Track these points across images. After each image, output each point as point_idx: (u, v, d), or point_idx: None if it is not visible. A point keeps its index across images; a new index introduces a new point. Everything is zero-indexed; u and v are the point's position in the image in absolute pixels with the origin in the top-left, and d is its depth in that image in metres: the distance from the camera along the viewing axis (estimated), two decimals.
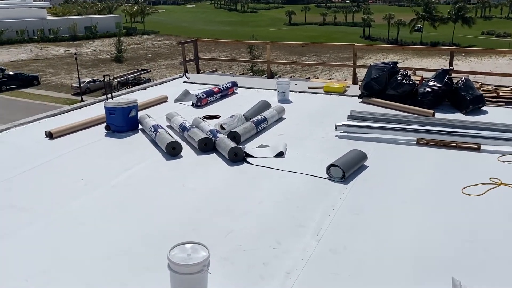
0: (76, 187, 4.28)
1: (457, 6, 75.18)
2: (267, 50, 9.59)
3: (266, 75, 10.07)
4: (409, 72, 7.27)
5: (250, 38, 50.99)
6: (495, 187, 4.15)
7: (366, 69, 7.57)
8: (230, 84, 8.08)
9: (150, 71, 45.26)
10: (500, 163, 4.74)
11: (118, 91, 33.07)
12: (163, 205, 3.92)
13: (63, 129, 5.87)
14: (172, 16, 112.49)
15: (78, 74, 40.21)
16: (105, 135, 5.80)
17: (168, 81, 9.49)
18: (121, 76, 39.09)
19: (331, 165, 4.37)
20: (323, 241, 3.28)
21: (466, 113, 6.48)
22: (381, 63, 7.31)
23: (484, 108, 6.63)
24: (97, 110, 6.70)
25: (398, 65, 7.36)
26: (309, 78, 11.29)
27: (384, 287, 2.81)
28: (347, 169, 4.32)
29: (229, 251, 3.15)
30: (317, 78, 12.17)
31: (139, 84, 34.64)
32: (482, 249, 3.18)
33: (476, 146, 5.15)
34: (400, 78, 6.95)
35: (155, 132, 5.38)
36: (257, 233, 3.42)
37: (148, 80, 36.60)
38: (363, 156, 4.65)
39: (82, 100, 36.59)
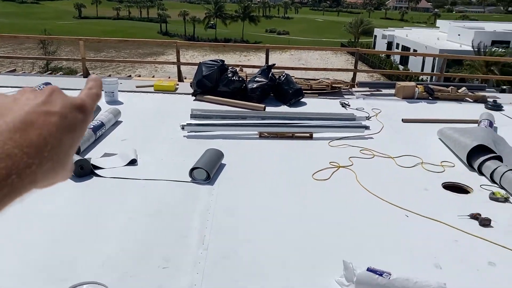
0: None
1: (242, 5, 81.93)
2: (81, 47, 8.66)
3: (81, 73, 9.11)
4: (237, 69, 7.58)
5: (41, 32, 45.28)
6: (336, 170, 4.71)
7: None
8: (44, 86, 7.00)
9: None
10: (331, 148, 5.39)
11: None
12: (11, 239, 3.15)
13: None
14: None
15: None
16: None
17: None
18: None
19: (194, 168, 4.24)
20: (211, 249, 3.16)
21: (290, 105, 7.14)
22: (210, 60, 7.42)
23: (303, 99, 7.43)
24: None
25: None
26: (130, 76, 10.69)
27: (287, 282, 2.87)
28: (210, 170, 4.26)
29: (114, 281, 2.74)
30: (139, 76, 11.62)
31: None
32: (350, 228, 3.57)
33: (309, 134, 5.74)
34: (230, 75, 7.19)
35: None
36: (140, 253, 3.07)
37: None
38: (221, 155, 4.65)
39: None
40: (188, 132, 5.53)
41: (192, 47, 58.53)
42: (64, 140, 0.42)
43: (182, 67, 9.59)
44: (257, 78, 7.28)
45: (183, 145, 5.23)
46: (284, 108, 7.02)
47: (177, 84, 7.98)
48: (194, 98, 7.23)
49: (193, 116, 5.91)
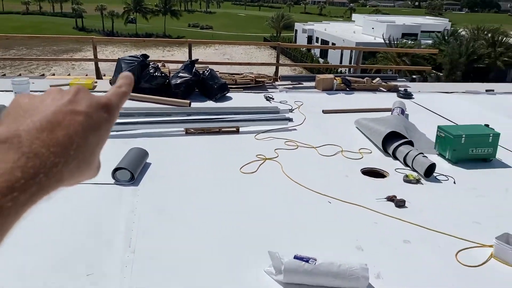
0: None
1: None
2: None
3: None
4: (159, 65, 7.41)
5: None
6: (263, 162, 4.80)
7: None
8: None
9: None
10: (257, 141, 5.47)
11: None
12: None
13: None
14: None
15: None
16: None
17: None
18: None
19: (116, 169, 4.09)
20: (139, 251, 3.07)
21: (216, 100, 7.13)
22: (130, 56, 7.17)
23: (228, 94, 7.45)
24: None
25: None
26: (43, 75, 10.01)
27: (218, 277, 2.88)
28: (134, 170, 4.13)
29: None
30: (53, 75, 10.92)
31: None
32: (277, 218, 3.66)
33: (235, 129, 5.78)
34: (152, 71, 7.01)
35: None
36: (62, 262, 2.90)
37: None
38: (145, 153, 4.53)
39: None
40: None
41: (111, 42, 56.19)
42: (89, 139, 0.43)
43: (102, 64, 9.18)
44: (181, 74, 7.17)
45: (105, 145, 5.00)
46: (209, 103, 6.99)
47: (95, 82, 7.63)
48: None
49: None
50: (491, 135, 4.98)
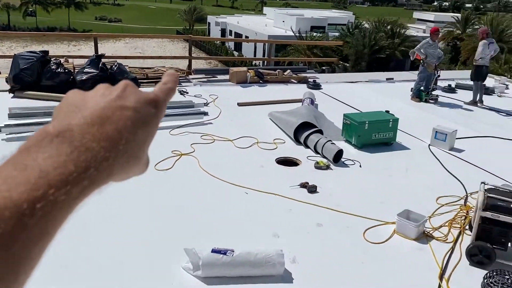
0: None
1: None
2: None
3: None
4: (62, 60, 6.94)
5: None
6: (179, 158, 4.73)
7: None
8: None
9: None
10: (172, 136, 5.39)
11: None
12: None
13: None
14: None
15: None
16: None
17: None
18: None
19: None
20: (46, 261, 2.85)
21: None
22: (27, 52, 6.64)
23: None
24: None
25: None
26: None
27: (135, 280, 2.79)
28: None
29: None
30: None
31: None
32: (195, 213, 3.64)
33: None
34: (54, 67, 6.55)
35: None
36: None
37: None
38: None
39: None
40: (7, 134, 4.88)
41: (8, 37, 51.50)
42: (138, 134, 0.44)
43: None
44: (87, 69, 6.80)
45: (2, 150, 4.60)
46: None
47: None
48: (12, 95, 6.39)
49: (12, 116, 5.23)
50: (391, 120, 5.40)
